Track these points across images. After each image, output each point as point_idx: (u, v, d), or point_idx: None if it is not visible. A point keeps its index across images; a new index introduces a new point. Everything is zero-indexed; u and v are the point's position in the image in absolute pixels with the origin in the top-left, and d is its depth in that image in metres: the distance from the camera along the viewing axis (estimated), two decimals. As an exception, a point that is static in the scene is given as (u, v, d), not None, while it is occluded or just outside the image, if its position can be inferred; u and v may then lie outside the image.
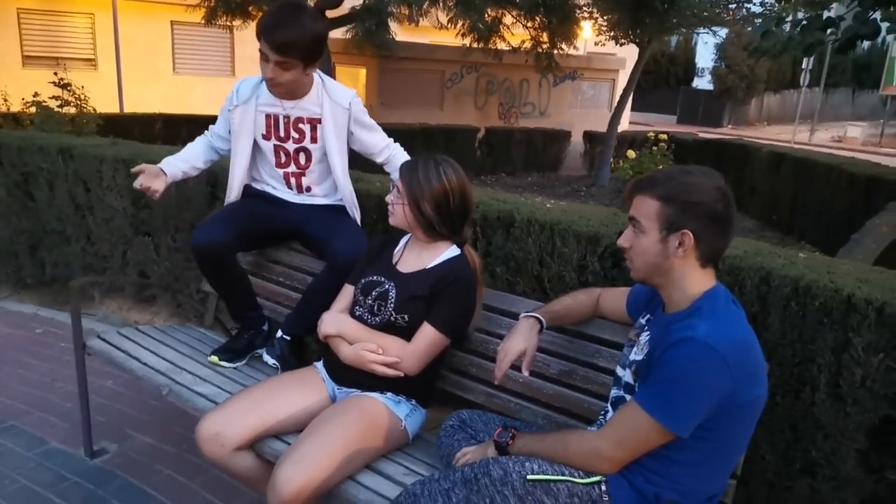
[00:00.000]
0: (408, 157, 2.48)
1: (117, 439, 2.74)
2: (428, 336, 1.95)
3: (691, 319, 1.44)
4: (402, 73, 12.78)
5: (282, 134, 2.45)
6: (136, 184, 2.40)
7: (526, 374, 1.83)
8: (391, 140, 2.61)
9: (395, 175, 2.44)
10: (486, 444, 1.73)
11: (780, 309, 1.95)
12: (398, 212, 2.01)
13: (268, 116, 2.44)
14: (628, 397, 1.56)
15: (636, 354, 1.59)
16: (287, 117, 2.42)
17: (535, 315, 1.90)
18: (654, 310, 1.65)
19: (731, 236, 1.52)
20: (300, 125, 2.43)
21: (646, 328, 1.63)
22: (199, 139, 2.65)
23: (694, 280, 1.51)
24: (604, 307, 1.93)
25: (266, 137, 2.47)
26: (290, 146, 2.47)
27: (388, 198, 2.05)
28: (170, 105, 12.16)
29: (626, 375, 1.61)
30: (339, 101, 2.41)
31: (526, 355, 1.81)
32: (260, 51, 2.24)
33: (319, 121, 2.42)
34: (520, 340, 1.82)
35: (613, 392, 1.68)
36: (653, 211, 1.49)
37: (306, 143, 2.46)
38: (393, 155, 2.59)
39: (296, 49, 2.20)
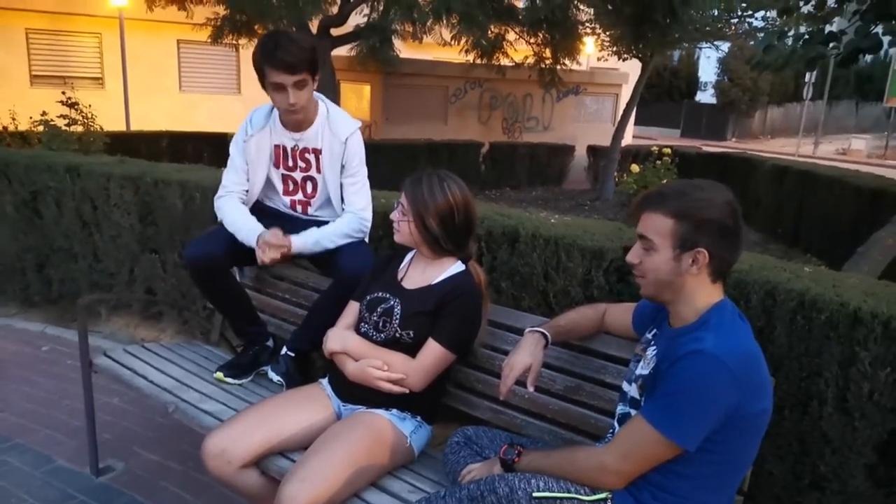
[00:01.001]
0: (351, 230, 2.43)
1: (123, 457, 2.74)
2: (433, 352, 1.95)
3: (699, 332, 1.44)
4: (407, 89, 12.86)
5: (290, 163, 2.49)
6: (268, 258, 2.35)
7: (531, 389, 1.81)
8: (362, 208, 2.47)
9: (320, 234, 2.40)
10: (491, 461, 1.73)
11: (787, 323, 1.95)
12: (403, 228, 2.02)
13: (276, 147, 2.47)
14: (634, 413, 1.55)
15: (642, 369, 1.59)
16: (295, 147, 2.45)
17: (541, 330, 1.88)
18: (660, 324, 1.64)
19: (741, 250, 1.52)
20: (306, 154, 2.46)
21: (652, 343, 1.63)
22: (231, 202, 2.48)
23: (703, 295, 1.51)
24: (609, 322, 1.92)
25: (276, 165, 2.50)
26: (298, 175, 2.50)
27: (393, 215, 2.05)
28: (176, 123, 12.26)
29: (632, 390, 1.61)
30: (337, 133, 2.41)
31: (531, 370, 1.80)
32: (271, 84, 2.23)
33: (321, 151, 2.44)
34: (525, 355, 1.81)
35: (619, 408, 1.67)
36: (665, 228, 1.48)
37: (312, 172, 2.49)
38: (343, 218, 2.46)
39: (304, 62, 2.22)
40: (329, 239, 2.41)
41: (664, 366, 1.45)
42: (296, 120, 2.37)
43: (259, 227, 2.39)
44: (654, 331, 1.66)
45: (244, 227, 2.41)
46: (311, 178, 2.50)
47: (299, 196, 2.54)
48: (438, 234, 1.98)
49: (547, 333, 1.88)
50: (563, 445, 1.60)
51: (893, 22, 4.39)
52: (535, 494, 1.50)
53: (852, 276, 2.28)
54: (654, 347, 1.60)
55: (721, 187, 1.52)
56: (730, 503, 1.57)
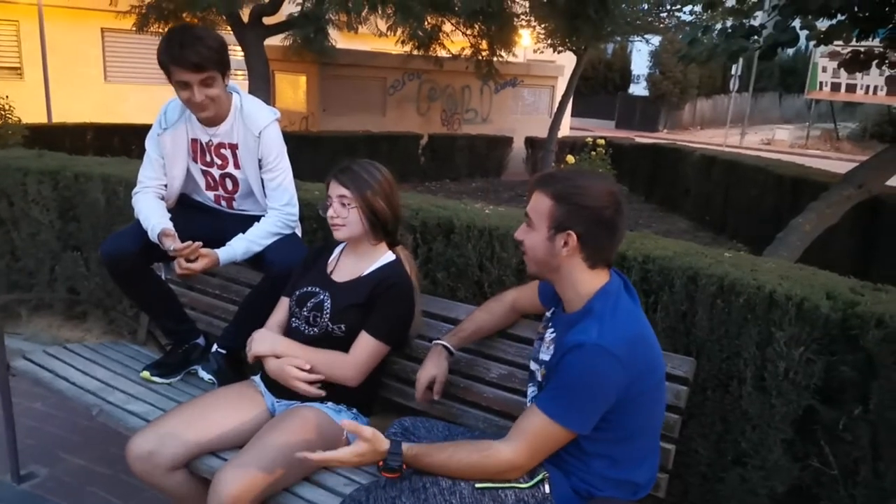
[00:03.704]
0: (276, 228, 2.34)
1: (47, 463, 2.62)
2: (367, 345, 1.94)
3: (585, 322, 1.49)
4: (344, 80, 12.68)
5: (207, 159, 2.39)
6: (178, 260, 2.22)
7: (437, 398, 1.97)
8: (286, 203, 2.37)
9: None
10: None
11: (708, 306, 2.02)
12: (352, 218, 1.97)
13: (193, 141, 2.37)
14: None
15: (545, 353, 1.64)
16: (209, 143, 2.35)
17: (443, 343, 1.99)
18: (558, 303, 1.68)
19: (618, 240, 1.57)
20: (222, 150, 2.36)
21: (550, 324, 1.68)
22: (145, 197, 2.38)
23: (584, 280, 1.56)
24: (522, 307, 1.97)
25: (194, 160, 2.40)
26: (216, 172, 2.41)
27: (332, 213, 1.98)
28: (102, 114, 11.73)
29: (538, 373, 1.66)
30: (250, 128, 2.30)
31: (436, 382, 1.94)
32: (177, 82, 2.14)
33: (237, 146, 2.34)
34: (430, 368, 1.95)
35: (530, 390, 1.72)
36: (545, 208, 1.54)
37: (230, 168, 2.39)
38: (268, 216, 2.37)
39: (210, 60, 2.12)
40: (256, 243, 2.31)
41: (557, 356, 1.51)
42: (205, 117, 2.27)
43: (161, 224, 2.26)
44: (553, 309, 1.71)
45: (148, 223, 2.29)
46: (230, 175, 2.40)
47: (221, 192, 2.46)
48: (387, 214, 1.98)
49: (448, 345, 1.99)
50: (458, 444, 1.59)
51: (810, 17, 4.59)
52: (477, 485, 1.53)
53: (770, 260, 2.38)
54: (553, 330, 1.65)
55: (607, 178, 1.59)
56: (646, 477, 1.62)
